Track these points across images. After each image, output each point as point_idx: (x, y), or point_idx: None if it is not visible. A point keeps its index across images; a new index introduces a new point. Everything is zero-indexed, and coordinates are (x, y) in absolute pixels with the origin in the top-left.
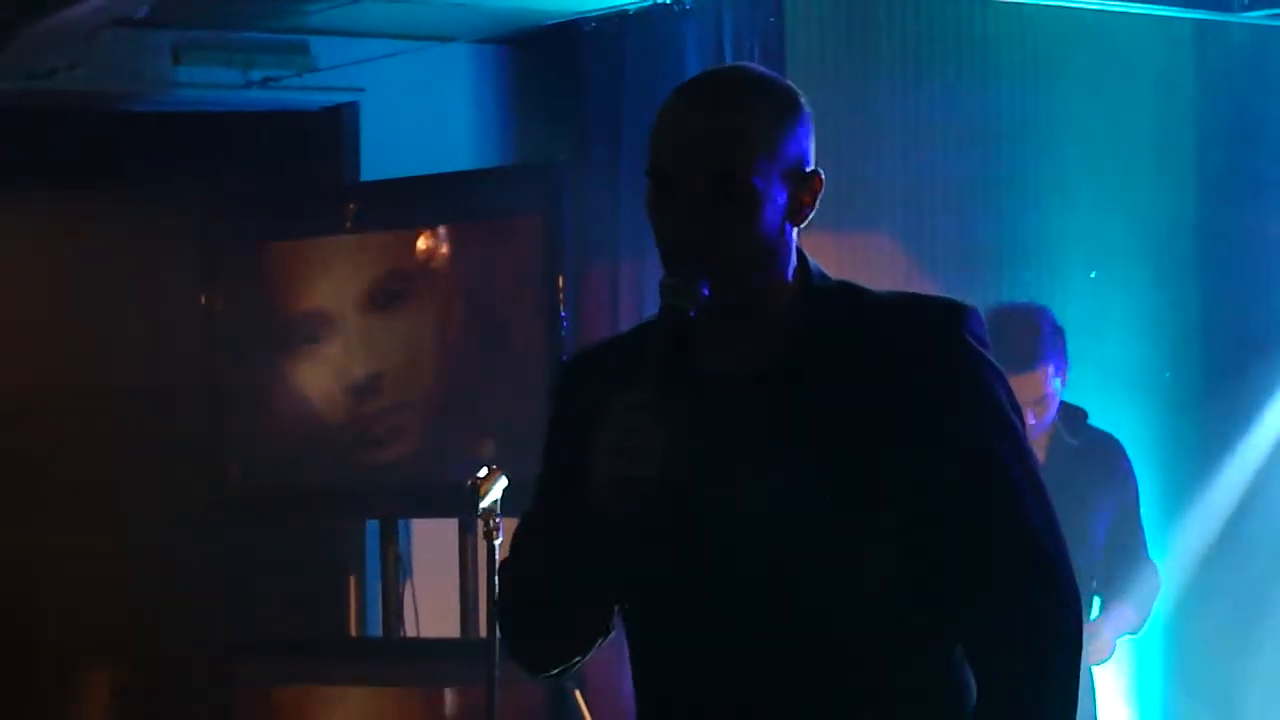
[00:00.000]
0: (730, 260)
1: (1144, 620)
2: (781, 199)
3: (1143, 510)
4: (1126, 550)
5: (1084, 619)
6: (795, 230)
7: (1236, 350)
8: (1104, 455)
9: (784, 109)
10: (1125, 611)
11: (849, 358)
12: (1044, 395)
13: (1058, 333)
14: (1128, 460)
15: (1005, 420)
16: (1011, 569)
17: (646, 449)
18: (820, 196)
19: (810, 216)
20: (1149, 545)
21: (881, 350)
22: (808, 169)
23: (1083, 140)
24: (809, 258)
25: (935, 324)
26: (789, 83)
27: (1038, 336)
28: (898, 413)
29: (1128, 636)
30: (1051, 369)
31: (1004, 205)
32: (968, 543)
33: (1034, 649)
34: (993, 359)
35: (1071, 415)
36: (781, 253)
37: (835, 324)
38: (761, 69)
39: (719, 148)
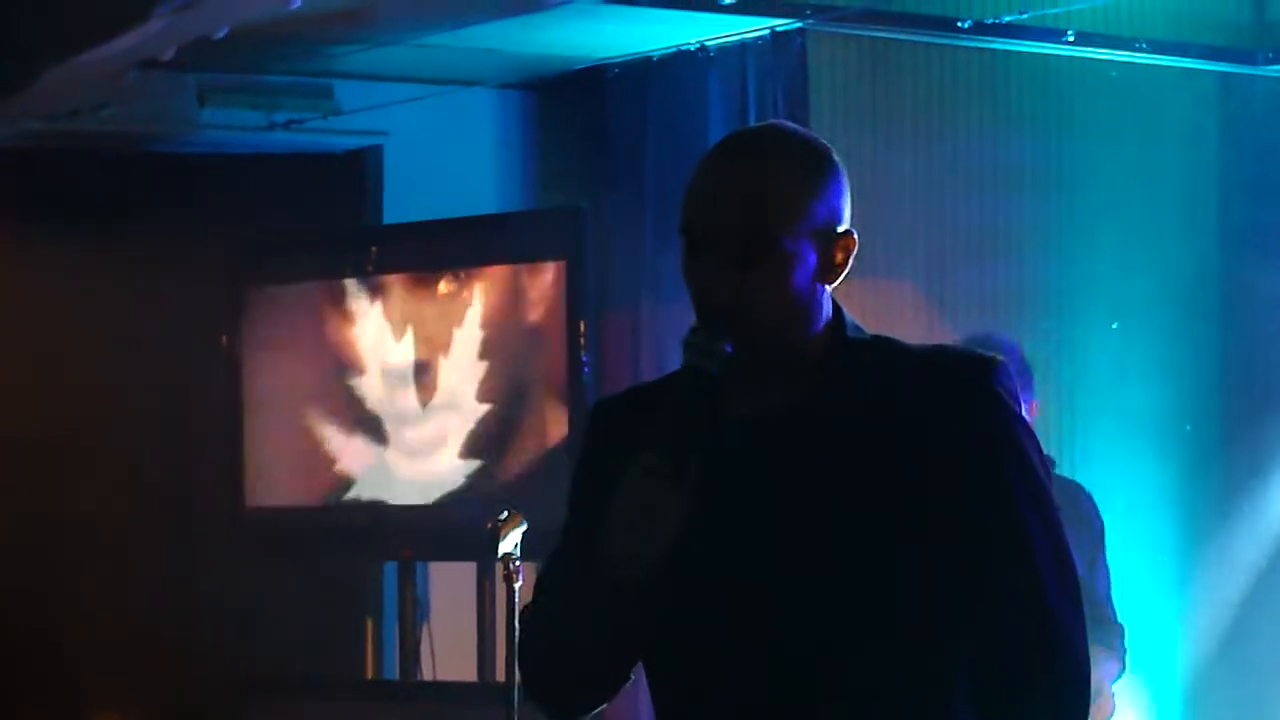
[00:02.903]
0: (757, 321)
1: (1124, 667)
2: (812, 259)
3: (1110, 559)
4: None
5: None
6: (827, 289)
7: (1258, 402)
8: (1072, 501)
9: (815, 170)
10: (1110, 662)
11: (877, 408)
12: None
13: (1027, 369)
14: (1093, 506)
15: (1034, 480)
16: (1024, 644)
17: (662, 521)
18: (853, 255)
19: (843, 275)
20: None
21: (911, 401)
22: (840, 229)
23: (1106, 191)
24: (844, 310)
25: (966, 377)
26: (822, 141)
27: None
28: (926, 464)
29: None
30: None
31: (1026, 255)
32: (983, 611)
33: None
34: (1022, 412)
35: None
36: (811, 312)
37: (864, 374)
38: (794, 127)
39: (749, 210)
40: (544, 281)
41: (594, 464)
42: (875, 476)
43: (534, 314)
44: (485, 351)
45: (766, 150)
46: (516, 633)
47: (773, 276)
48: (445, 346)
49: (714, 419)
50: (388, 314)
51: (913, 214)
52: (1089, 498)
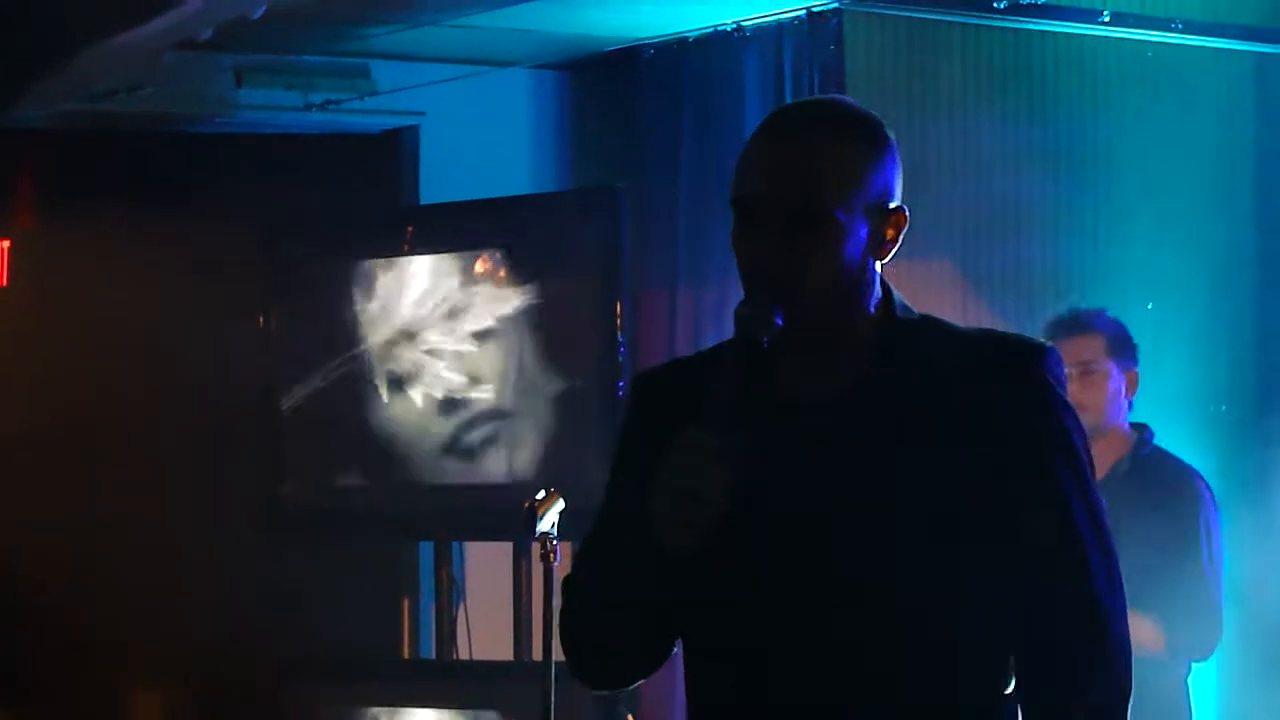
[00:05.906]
0: (809, 292)
1: (1176, 646)
2: (864, 233)
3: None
4: (1178, 579)
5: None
6: (878, 264)
7: None
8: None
9: (869, 143)
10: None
11: (928, 389)
12: (1085, 361)
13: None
14: (1195, 488)
15: (1079, 467)
16: (1071, 632)
17: (708, 492)
18: (904, 232)
19: (894, 252)
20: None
21: (962, 385)
22: (892, 204)
23: (1141, 171)
24: (893, 290)
25: (1016, 363)
26: (876, 117)
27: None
28: (977, 449)
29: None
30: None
31: (1061, 235)
32: (1030, 598)
33: (1081, 708)
34: (1068, 399)
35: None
36: (862, 286)
37: (915, 356)
38: (849, 102)
39: (802, 180)
40: (580, 262)
41: (636, 436)
42: (930, 461)
43: (570, 294)
44: (521, 332)
45: (822, 123)
46: (556, 606)
47: (824, 248)
48: (480, 326)
49: (767, 396)
50: (422, 294)
51: (949, 193)
52: (1192, 474)
